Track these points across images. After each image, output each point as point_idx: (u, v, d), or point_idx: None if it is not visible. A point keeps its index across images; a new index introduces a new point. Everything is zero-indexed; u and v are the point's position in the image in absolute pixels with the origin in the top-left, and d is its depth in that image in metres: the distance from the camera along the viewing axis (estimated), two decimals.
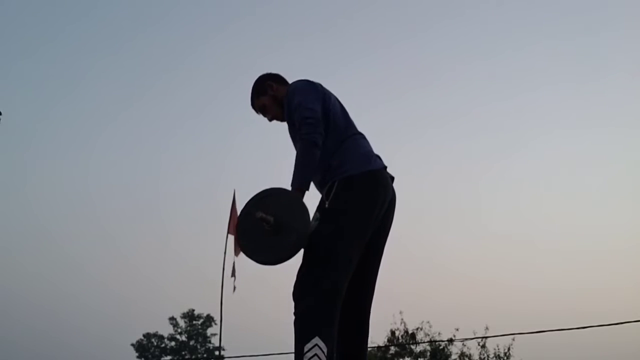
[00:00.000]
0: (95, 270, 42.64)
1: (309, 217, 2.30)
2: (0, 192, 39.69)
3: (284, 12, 42.06)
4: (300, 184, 2.32)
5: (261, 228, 2.33)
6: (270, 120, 2.69)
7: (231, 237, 11.04)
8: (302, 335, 2.19)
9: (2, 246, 37.97)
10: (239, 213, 2.50)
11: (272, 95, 2.65)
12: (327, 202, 2.35)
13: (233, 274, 10.79)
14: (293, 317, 2.27)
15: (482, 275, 33.41)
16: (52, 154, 45.00)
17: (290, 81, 2.64)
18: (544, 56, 39.52)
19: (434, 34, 42.00)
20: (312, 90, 2.48)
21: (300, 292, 2.26)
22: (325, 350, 2.15)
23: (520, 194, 38.84)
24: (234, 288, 10.70)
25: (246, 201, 2.46)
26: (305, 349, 2.14)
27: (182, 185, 44.24)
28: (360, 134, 2.56)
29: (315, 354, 2.13)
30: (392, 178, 2.55)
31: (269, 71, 2.73)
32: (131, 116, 45.48)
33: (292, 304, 2.29)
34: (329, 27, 42.65)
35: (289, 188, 2.34)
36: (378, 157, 2.54)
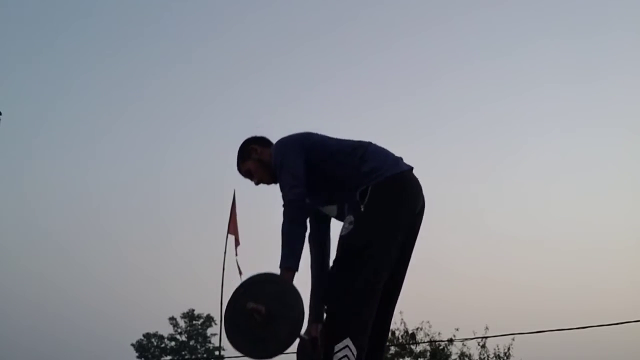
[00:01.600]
0: (95, 270, 42.66)
1: (303, 304, 2.22)
2: (0, 192, 39.68)
3: (288, 12, 42.07)
4: (288, 264, 2.27)
5: (252, 319, 2.22)
6: (256, 184, 2.66)
7: (231, 237, 11.05)
8: (334, 334, 2.16)
9: (2, 246, 37.97)
10: (227, 302, 2.36)
11: (256, 159, 2.63)
12: (362, 206, 2.32)
13: (240, 273, 10.75)
14: (325, 316, 2.26)
15: (482, 275, 33.43)
16: (52, 154, 45.03)
17: (273, 140, 2.60)
18: (550, 54, 39.54)
19: (436, 34, 42.03)
20: (290, 152, 2.45)
21: (335, 292, 2.24)
22: (355, 352, 2.13)
23: (520, 194, 38.87)
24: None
25: (234, 289, 2.35)
26: (336, 349, 2.13)
27: (182, 185, 44.27)
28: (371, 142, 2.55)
29: (345, 355, 2.12)
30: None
31: (253, 134, 2.71)
32: (131, 116, 45.50)
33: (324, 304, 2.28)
34: (332, 28, 42.62)
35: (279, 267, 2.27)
36: (400, 159, 2.53)
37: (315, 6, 42.03)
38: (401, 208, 2.36)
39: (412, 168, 2.49)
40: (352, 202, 2.36)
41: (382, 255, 2.28)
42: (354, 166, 2.41)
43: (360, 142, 2.53)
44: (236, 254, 10.84)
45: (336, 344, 2.13)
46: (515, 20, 39.28)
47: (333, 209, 2.44)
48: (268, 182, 2.62)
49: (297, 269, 2.27)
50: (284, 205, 2.34)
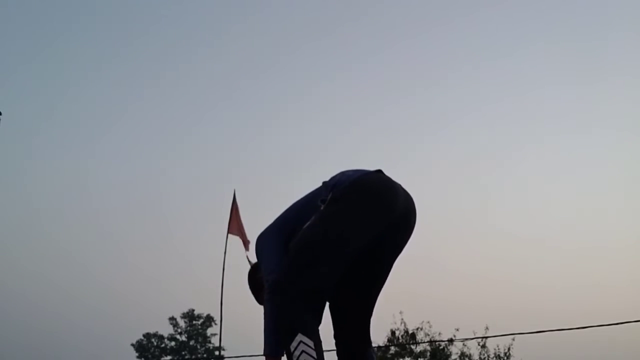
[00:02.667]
0: (95, 270, 42.68)
1: None
2: (1, 192, 39.68)
3: (291, 12, 42.05)
4: (272, 351, 2.27)
5: None
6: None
7: (234, 237, 11.04)
8: (286, 337, 2.13)
9: (2, 245, 37.97)
10: None
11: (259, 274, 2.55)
12: (322, 206, 2.28)
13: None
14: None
15: (482, 275, 33.43)
16: (52, 154, 45.03)
17: None
18: (551, 56, 39.56)
19: (439, 34, 42.03)
20: (264, 246, 2.43)
21: (279, 287, 2.20)
22: (311, 343, 2.10)
23: (521, 193, 38.89)
24: None
25: None
26: (292, 348, 2.09)
27: (182, 185, 44.25)
28: None
29: (303, 351, 2.08)
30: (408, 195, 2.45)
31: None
32: (132, 116, 45.51)
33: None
34: (336, 27, 42.62)
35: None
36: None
37: (316, 7, 42.02)
38: (362, 211, 2.27)
39: (379, 170, 2.41)
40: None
41: (336, 248, 2.23)
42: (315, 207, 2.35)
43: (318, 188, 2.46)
44: (247, 249, 10.83)
45: (290, 344, 2.10)
46: (515, 22, 39.32)
47: None
48: None
49: (281, 356, 2.28)
50: (265, 305, 2.32)
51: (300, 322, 2.13)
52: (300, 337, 2.10)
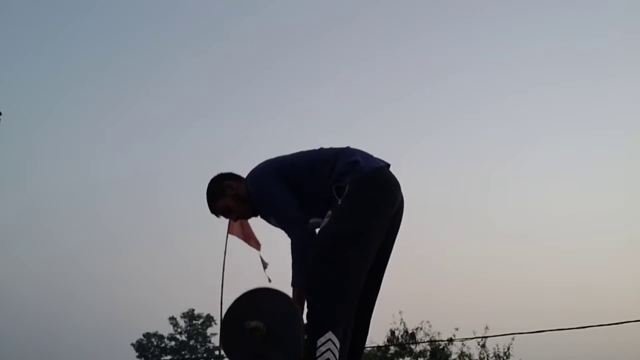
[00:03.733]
0: (95, 270, 42.64)
1: (302, 328, 2.22)
2: (0, 192, 39.67)
3: (288, 13, 42.04)
4: (299, 283, 2.33)
5: (250, 337, 2.26)
6: (235, 220, 2.65)
7: (235, 237, 10.99)
8: (316, 328, 2.17)
9: (2, 245, 37.97)
10: (227, 308, 2.40)
11: (233, 195, 2.58)
12: (339, 200, 2.31)
13: (265, 266, 10.62)
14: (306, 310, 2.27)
15: (481, 275, 33.43)
16: (52, 153, 45.02)
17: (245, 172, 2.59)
18: (555, 54, 39.53)
19: (441, 32, 42.01)
20: (273, 188, 2.44)
21: (316, 285, 2.25)
22: (338, 345, 2.15)
23: (522, 194, 38.87)
24: (269, 279, 10.30)
25: (236, 298, 2.38)
26: (319, 343, 2.14)
27: (182, 185, 44.22)
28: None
29: (328, 349, 2.13)
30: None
31: (220, 171, 2.66)
32: (131, 115, 45.51)
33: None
34: (333, 27, 42.62)
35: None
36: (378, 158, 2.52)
37: (320, 4, 42.01)
38: (381, 200, 2.35)
39: (388, 165, 2.48)
40: (331, 201, 2.37)
41: (362, 246, 2.27)
42: (330, 175, 2.40)
43: (332, 149, 2.52)
44: (258, 249, 10.76)
45: (319, 338, 2.14)
46: (516, 21, 39.29)
47: (319, 221, 2.42)
48: (248, 217, 2.62)
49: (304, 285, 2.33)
50: (293, 241, 2.37)
51: (332, 319, 2.18)
52: (330, 335, 2.15)
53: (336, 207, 2.31)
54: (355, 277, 2.26)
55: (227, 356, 2.39)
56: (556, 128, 40.85)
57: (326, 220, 2.31)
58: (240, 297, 2.37)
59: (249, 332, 2.25)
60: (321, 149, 2.55)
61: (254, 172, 2.52)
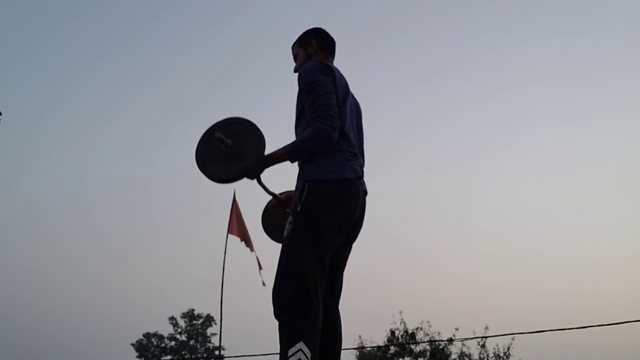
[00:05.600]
0: (95, 270, 42.68)
1: (263, 151, 2.45)
2: (0, 192, 39.67)
3: (281, 6, 42.04)
4: (289, 152, 2.44)
5: (217, 148, 2.49)
6: (295, 71, 2.74)
7: (234, 237, 10.98)
8: (287, 340, 2.24)
9: (2, 246, 37.98)
10: (206, 131, 2.60)
11: (306, 53, 2.72)
12: (299, 204, 2.39)
13: (260, 268, 10.60)
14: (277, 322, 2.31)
15: (482, 275, 33.47)
16: (50, 154, 45.03)
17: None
18: (542, 54, 39.53)
19: (432, 31, 42.01)
20: (322, 77, 2.49)
21: (282, 300, 2.32)
22: (308, 354, 2.21)
23: (522, 194, 38.88)
24: (263, 283, 10.29)
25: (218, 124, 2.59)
26: (290, 353, 2.21)
27: (182, 185, 44.24)
28: (350, 150, 2.54)
29: (299, 359, 2.19)
30: (365, 192, 2.57)
31: (323, 28, 2.76)
32: (130, 114, 45.53)
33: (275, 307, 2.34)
34: (331, 19, 42.55)
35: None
36: (359, 167, 2.54)
37: (308, 4, 42.04)
38: (336, 213, 2.41)
39: (360, 177, 2.51)
40: (297, 188, 2.47)
41: (319, 260, 2.34)
42: (333, 146, 2.47)
43: (361, 128, 2.69)
44: (252, 250, 10.73)
45: (290, 348, 2.21)
46: (510, 17, 39.29)
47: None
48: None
49: (291, 161, 2.47)
50: (316, 127, 2.40)
51: (305, 328, 2.24)
52: (301, 345, 2.21)
53: (296, 216, 2.39)
54: (315, 288, 2.31)
55: (195, 158, 2.58)
56: (555, 126, 40.85)
57: (288, 228, 2.39)
58: (226, 118, 2.59)
59: (215, 140, 2.48)
60: (360, 125, 2.70)
61: (317, 64, 2.57)
